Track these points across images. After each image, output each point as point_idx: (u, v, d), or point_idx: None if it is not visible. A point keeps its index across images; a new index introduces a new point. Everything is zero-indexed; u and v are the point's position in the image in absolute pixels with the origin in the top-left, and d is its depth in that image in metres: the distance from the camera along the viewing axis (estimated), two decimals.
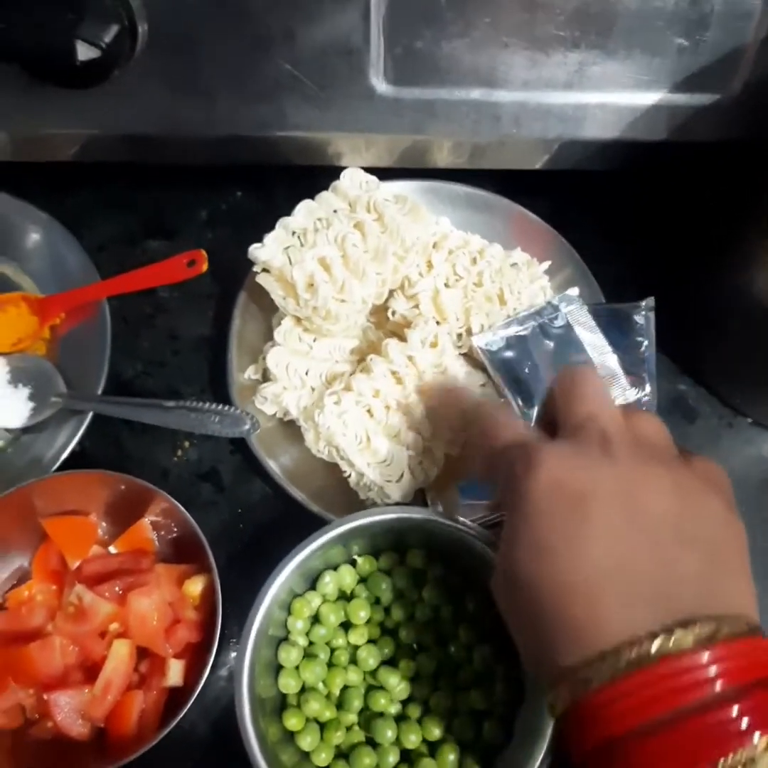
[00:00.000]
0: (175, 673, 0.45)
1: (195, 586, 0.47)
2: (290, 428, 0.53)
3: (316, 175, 0.54)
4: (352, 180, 0.53)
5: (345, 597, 0.47)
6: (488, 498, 0.50)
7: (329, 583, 0.46)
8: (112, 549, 0.49)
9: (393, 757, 0.43)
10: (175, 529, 0.49)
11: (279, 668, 0.45)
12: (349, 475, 0.50)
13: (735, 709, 0.26)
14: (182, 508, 0.47)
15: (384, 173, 0.55)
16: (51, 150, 0.53)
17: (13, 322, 0.55)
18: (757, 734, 0.26)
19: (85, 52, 0.42)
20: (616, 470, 0.33)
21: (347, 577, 0.46)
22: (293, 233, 0.51)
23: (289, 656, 0.44)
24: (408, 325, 0.52)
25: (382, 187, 0.54)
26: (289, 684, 0.44)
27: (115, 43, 0.43)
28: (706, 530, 0.32)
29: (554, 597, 0.31)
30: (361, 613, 0.46)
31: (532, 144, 0.52)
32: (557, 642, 0.31)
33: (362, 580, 0.47)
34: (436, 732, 0.44)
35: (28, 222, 0.56)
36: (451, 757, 0.43)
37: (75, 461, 0.51)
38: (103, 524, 0.50)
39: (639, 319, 0.53)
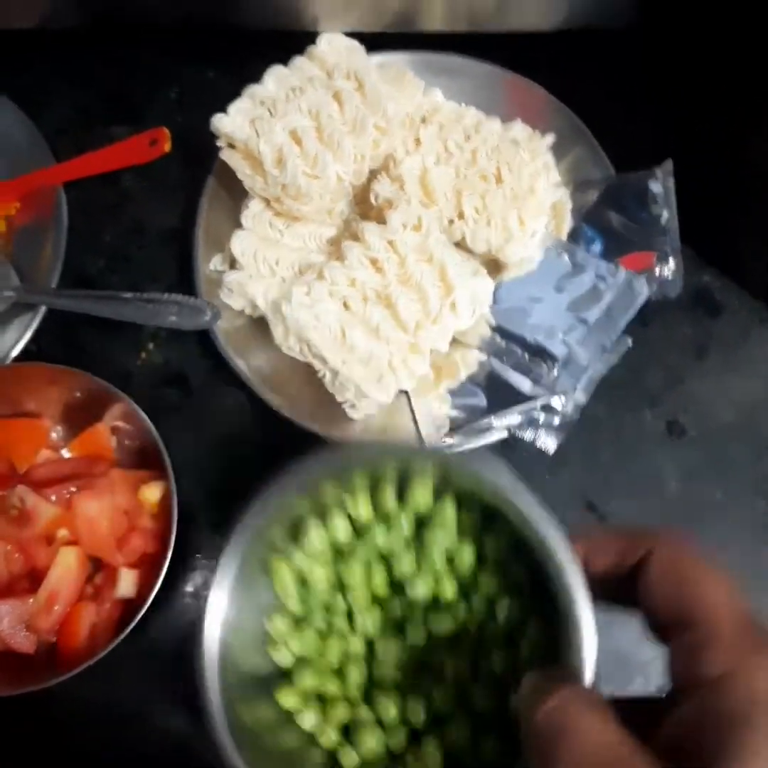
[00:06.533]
0: (127, 583, 0.41)
1: (152, 493, 0.43)
2: (264, 328, 0.48)
3: (298, 52, 0.48)
4: (331, 45, 0.47)
5: (339, 551, 0.35)
6: (479, 400, 0.45)
7: (318, 536, 0.34)
8: (65, 453, 0.45)
9: (402, 735, 0.35)
10: (136, 435, 0.45)
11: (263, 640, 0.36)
12: (324, 375, 0.45)
13: None
14: (139, 410, 0.43)
15: (374, 42, 0.49)
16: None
17: None
18: None
19: None
20: None
21: (340, 526, 0.35)
22: (261, 103, 0.45)
23: (274, 625, 0.36)
24: None
25: (364, 55, 0.47)
26: (277, 656, 0.32)
27: None
28: None
29: None
30: (357, 569, 0.34)
31: None
32: None
33: (357, 529, 0.36)
34: (448, 704, 0.36)
35: None
36: (464, 732, 0.35)
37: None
38: (59, 428, 0.46)
39: (655, 187, 0.46)
